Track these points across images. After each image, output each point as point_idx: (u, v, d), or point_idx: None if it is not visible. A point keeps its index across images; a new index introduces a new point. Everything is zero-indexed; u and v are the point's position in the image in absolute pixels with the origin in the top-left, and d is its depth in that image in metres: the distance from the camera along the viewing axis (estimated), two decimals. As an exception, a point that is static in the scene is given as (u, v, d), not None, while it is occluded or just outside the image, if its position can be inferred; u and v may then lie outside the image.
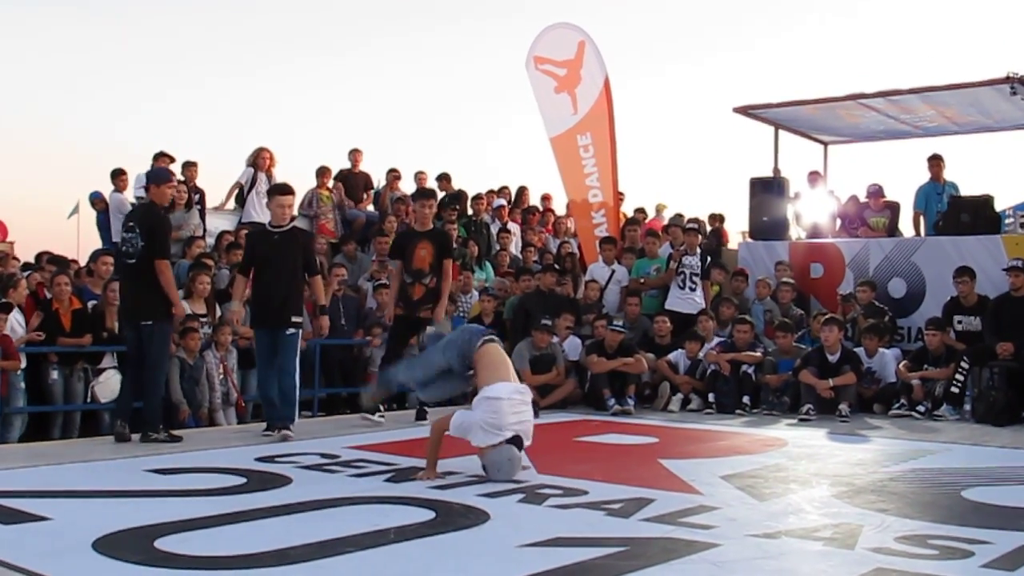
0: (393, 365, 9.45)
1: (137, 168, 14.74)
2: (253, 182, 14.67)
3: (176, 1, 58.80)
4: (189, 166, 14.97)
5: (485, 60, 61.26)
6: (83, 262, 13.85)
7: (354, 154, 16.96)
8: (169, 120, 57.69)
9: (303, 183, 15.89)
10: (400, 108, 60.04)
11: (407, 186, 17.53)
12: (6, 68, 54.24)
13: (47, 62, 57.48)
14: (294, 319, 9.79)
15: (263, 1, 59.69)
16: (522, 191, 18.73)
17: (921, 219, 15.35)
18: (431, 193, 12.44)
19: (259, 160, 14.77)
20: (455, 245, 15.21)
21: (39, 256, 13.71)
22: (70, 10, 56.08)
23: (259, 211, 14.57)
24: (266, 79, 61.01)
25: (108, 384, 11.04)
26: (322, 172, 15.94)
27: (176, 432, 9.53)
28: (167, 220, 9.87)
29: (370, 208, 17.02)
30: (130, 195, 14.49)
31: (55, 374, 10.90)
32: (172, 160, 14.74)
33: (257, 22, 60.40)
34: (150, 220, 9.34)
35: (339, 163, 16.79)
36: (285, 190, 10.30)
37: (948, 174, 15.37)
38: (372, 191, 17.11)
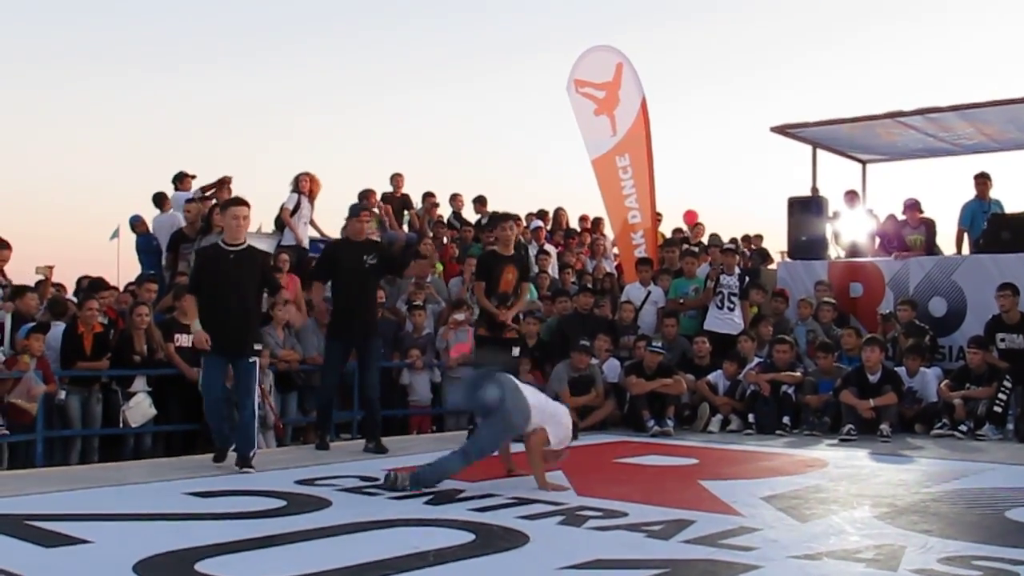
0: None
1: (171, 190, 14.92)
2: (297, 206, 14.72)
3: (210, 25, 59.35)
4: (224, 180, 15.00)
5: (525, 84, 61.45)
6: (121, 285, 13.95)
7: (396, 178, 17.05)
8: (209, 144, 58.16)
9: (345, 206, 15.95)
10: (439, 132, 60.30)
11: (444, 209, 17.65)
12: (50, 94, 54.93)
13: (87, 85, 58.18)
14: (256, 346, 9.13)
15: (296, 27, 60.15)
16: (558, 213, 18.73)
17: (965, 236, 15.19)
18: (513, 216, 12.46)
19: (301, 184, 14.82)
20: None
21: (79, 280, 13.82)
22: (108, 31, 56.73)
23: (301, 235, 14.69)
24: (306, 103, 61.42)
25: (139, 408, 11.08)
26: (366, 195, 15.96)
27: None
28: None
29: (405, 229, 17.07)
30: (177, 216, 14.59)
31: (63, 394, 10.77)
32: (194, 178, 14.83)
33: (297, 46, 60.87)
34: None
35: (381, 187, 16.86)
36: (239, 202, 9.39)
37: (991, 192, 15.23)
38: (413, 211, 17.14)
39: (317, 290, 10.91)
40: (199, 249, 11.06)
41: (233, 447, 9.12)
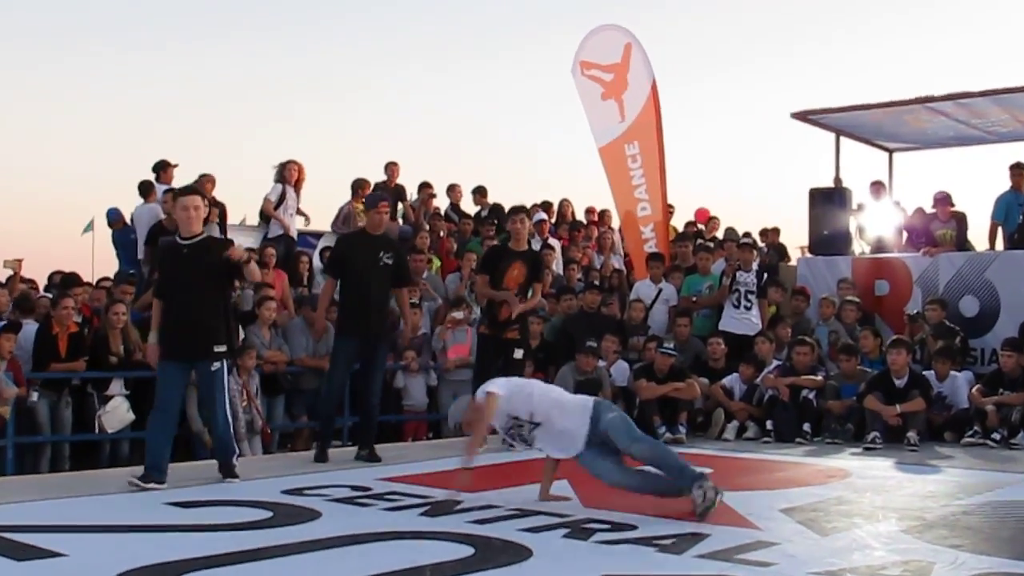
0: None
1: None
2: (282, 198, 14.72)
3: (203, 10, 59.37)
4: (203, 179, 15.00)
5: (528, 66, 61.51)
6: (96, 281, 13.95)
7: (391, 167, 17.02)
8: (192, 130, 58.23)
9: (337, 198, 16.00)
10: (437, 118, 60.38)
11: (441, 201, 17.68)
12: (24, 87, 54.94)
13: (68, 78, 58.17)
14: (216, 349, 8.75)
15: (285, 6, 60.18)
16: (563, 205, 18.73)
17: (999, 231, 15.17)
18: (527, 209, 12.39)
19: (286, 173, 14.80)
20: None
21: (51, 276, 13.84)
22: (83, 8, 56.72)
23: (289, 224, 14.70)
24: (296, 87, 61.46)
25: (116, 413, 11.10)
26: (359, 185, 15.90)
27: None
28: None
29: (399, 222, 17.07)
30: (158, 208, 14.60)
31: (35, 396, 10.80)
32: (175, 167, 14.83)
33: (286, 26, 60.89)
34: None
35: (374, 176, 16.85)
36: (187, 191, 9.30)
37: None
38: (408, 203, 17.16)
39: (327, 290, 10.70)
40: (158, 247, 11.02)
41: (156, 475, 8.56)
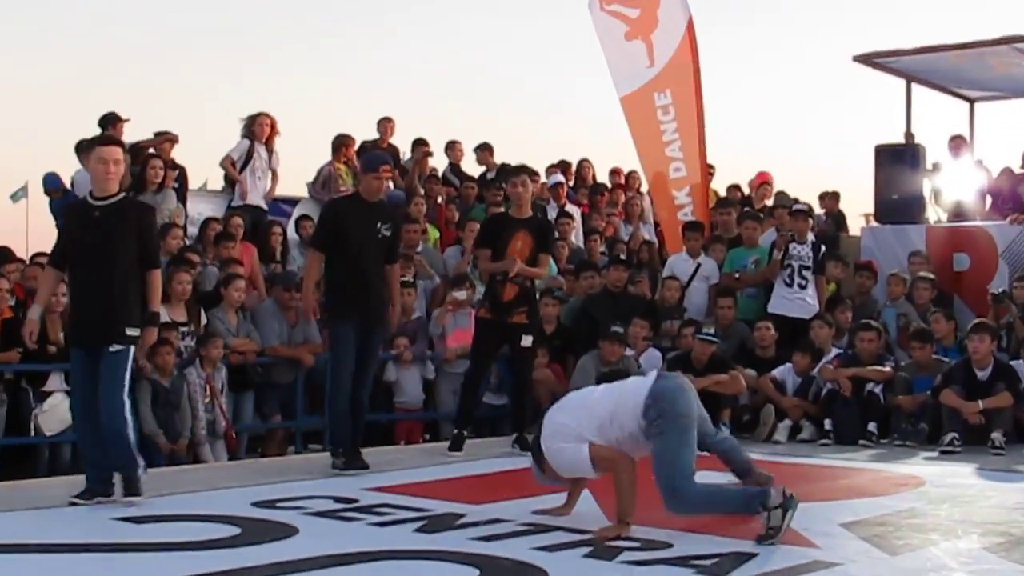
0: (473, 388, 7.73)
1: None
2: (249, 156, 14.66)
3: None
4: (162, 137, 14.96)
5: (541, 3, 61.43)
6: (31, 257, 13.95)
7: (384, 124, 16.91)
8: (146, 80, 58.25)
9: (316, 159, 15.96)
10: (435, 64, 60.34)
11: (439, 161, 17.65)
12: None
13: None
14: (128, 332, 8.33)
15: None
16: (583, 165, 18.64)
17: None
18: (529, 169, 12.33)
19: (256, 129, 14.73)
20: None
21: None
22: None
23: (256, 193, 14.66)
24: (270, 29, 61.50)
25: (55, 412, 11.10)
26: (342, 143, 15.84)
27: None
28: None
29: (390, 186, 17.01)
30: None
31: None
32: (127, 122, 14.76)
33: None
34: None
35: (364, 134, 16.80)
36: (108, 140, 9.11)
37: None
38: (400, 164, 17.13)
39: (314, 266, 10.59)
40: (65, 206, 10.81)
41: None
